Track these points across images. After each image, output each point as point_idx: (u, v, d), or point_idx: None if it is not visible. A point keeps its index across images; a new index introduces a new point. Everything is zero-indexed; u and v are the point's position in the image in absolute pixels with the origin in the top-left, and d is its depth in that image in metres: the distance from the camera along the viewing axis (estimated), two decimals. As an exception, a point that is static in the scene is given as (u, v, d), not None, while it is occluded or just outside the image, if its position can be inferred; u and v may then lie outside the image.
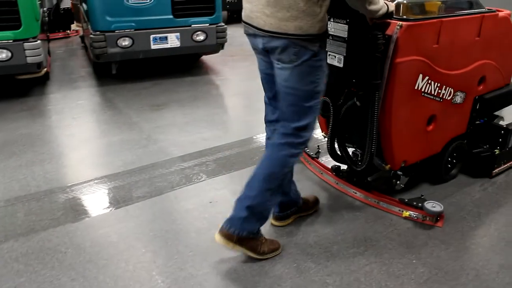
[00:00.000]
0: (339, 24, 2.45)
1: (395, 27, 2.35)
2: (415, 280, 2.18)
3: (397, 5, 2.42)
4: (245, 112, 4.64)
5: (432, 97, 2.67)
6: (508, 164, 3.25)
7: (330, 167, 3.12)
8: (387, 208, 2.79)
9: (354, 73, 2.49)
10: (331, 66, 2.50)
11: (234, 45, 7.30)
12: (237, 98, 5.06)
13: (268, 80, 2.27)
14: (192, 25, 5.24)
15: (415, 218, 2.69)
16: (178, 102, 4.68)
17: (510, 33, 3.00)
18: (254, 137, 3.81)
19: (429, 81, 2.60)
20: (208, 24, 5.32)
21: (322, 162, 3.23)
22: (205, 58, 6.36)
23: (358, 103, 2.58)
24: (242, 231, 2.19)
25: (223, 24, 5.47)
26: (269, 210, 2.28)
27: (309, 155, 3.29)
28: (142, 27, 5.01)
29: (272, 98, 2.32)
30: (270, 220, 2.53)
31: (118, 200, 2.85)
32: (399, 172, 2.85)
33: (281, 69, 2.09)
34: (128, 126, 4.04)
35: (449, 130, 2.95)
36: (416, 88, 2.55)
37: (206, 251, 2.36)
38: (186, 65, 6.08)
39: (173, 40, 5.20)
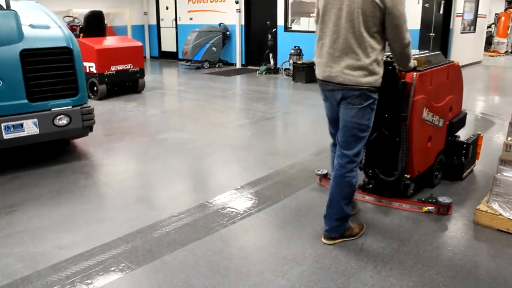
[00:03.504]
0: None
1: (412, 75, 3.39)
2: None
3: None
4: (114, 206, 4.01)
5: (429, 123, 3.77)
6: (470, 169, 4.54)
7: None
8: (409, 207, 3.71)
9: (386, 109, 3.40)
10: None
11: (114, 122, 6.80)
12: (107, 188, 4.44)
13: (335, 121, 3.19)
14: (52, 109, 4.65)
15: (432, 211, 3.62)
16: (37, 201, 4.00)
17: (460, 75, 4.37)
18: (120, 239, 3.29)
19: (428, 112, 3.70)
20: (71, 107, 4.76)
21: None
22: (76, 140, 5.70)
23: (386, 132, 3.56)
24: (340, 231, 3.19)
25: (89, 105, 4.94)
26: (349, 211, 3.22)
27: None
28: (-10, 114, 4.34)
29: (336, 131, 3.24)
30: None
31: None
32: (407, 181, 3.69)
33: (350, 109, 2.99)
34: (-35, 241, 3.30)
35: (437, 146, 4.06)
36: (422, 117, 3.63)
37: None
38: (53, 151, 5.40)
39: (30, 127, 4.55)
